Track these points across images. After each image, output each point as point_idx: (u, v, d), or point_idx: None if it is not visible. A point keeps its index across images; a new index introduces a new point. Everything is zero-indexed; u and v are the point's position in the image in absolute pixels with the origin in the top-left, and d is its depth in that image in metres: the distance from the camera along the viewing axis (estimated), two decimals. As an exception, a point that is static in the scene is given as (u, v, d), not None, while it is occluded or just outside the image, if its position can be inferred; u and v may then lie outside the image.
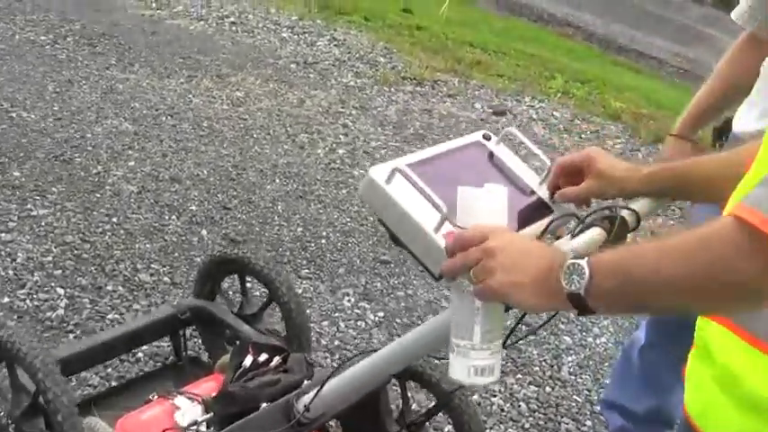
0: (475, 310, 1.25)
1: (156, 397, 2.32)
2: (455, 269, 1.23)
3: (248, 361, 2.27)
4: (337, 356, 3.15)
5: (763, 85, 2.16)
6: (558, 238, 1.67)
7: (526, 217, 1.62)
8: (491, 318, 1.26)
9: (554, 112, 6.32)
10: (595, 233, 1.44)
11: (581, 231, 1.46)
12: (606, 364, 3.49)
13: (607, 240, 1.44)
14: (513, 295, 1.17)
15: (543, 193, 1.67)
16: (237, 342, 2.56)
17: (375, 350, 1.77)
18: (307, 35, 6.98)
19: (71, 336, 3.03)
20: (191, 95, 5.31)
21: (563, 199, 1.61)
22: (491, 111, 6.05)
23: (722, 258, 0.99)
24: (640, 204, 1.57)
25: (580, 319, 3.72)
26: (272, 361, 2.26)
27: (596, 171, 1.53)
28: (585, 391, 3.27)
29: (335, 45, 6.89)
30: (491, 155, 1.72)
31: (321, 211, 4.20)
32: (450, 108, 5.97)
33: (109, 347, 2.51)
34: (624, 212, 1.51)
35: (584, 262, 1.11)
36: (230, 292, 2.89)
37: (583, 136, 5.99)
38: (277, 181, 4.42)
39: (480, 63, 7.24)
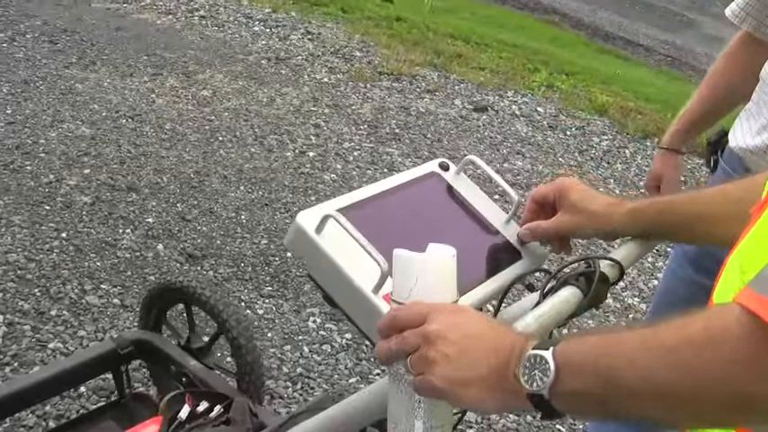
0: (415, 404, 1.01)
1: None
2: (389, 355, 0.99)
3: (185, 412, 2.05)
4: (299, 386, 2.92)
5: (763, 94, 1.91)
6: (529, 286, 1.44)
7: (491, 263, 1.39)
8: (436, 413, 1.01)
9: (538, 108, 6.07)
10: (569, 295, 1.20)
11: (550, 291, 1.22)
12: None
13: (582, 303, 1.21)
14: (459, 394, 0.94)
15: (510, 233, 1.44)
16: (183, 379, 2.36)
17: (322, 408, 1.53)
18: (280, 29, 6.70)
19: (7, 369, 2.77)
20: (154, 95, 5.04)
21: (530, 236, 1.38)
22: (472, 107, 5.79)
23: (734, 364, 0.75)
24: (624, 251, 1.33)
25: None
26: (212, 411, 2.04)
27: (569, 204, 1.31)
28: (569, 420, 3.04)
29: (309, 39, 6.62)
30: (449, 188, 1.48)
31: (288, 220, 3.94)
32: (428, 105, 5.71)
33: (40, 390, 2.28)
34: (605, 265, 1.27)
35: (548, 355, 0.87)
36: (181, 323, 2.65)
37: (568, 132, 5.74)
38: (242, 188, 4.17)
39: (461, 56, 6.98)
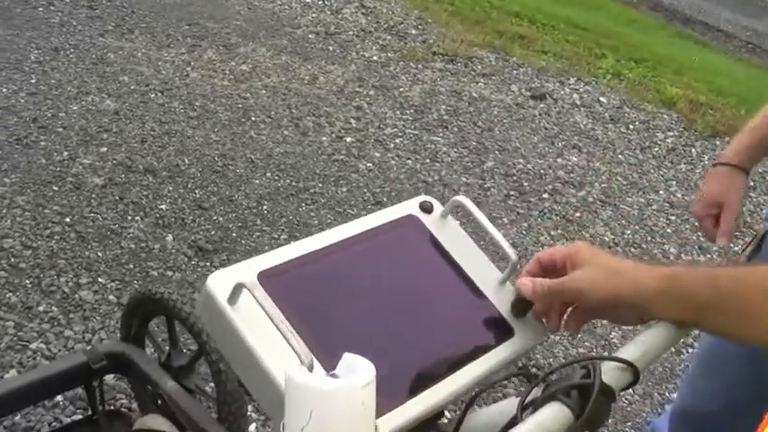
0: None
1: None
2: None
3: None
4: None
5: None
6: (522, 369, 1.13)
7: (471, 341, 1.08)
8: None
9: (601, 98, 5.67)
10: (555, 414, 0.89)
11: (532, 405, 0.92)
12: None
13: (573, 426, 0.89)
14: None
15: (502, 300, 1.13)
16: (159, 401, 2.11)
17: None
18: (333, 1, 6.38)
19: (-19, 371, 2.54)
20: (189, 68, 4.77)
21: (530, 290, 1.06)
22: (529, 94, 5.41)
23: None
24: (641, 346, 1.00)
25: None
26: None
27: (583, 260, 1.03)
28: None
29: (363, 13, 6.28)
30: (430, 238, 1.17)
31: (313, 213, 3.65)
32: (482, 90, 5.35)
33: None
34: (610, 369, 0.95)
35: None
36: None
37: (631, 126, 5.33)
38: (268, 174, 3.88)
39: (524, 37, 6.58)
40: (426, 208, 1.18)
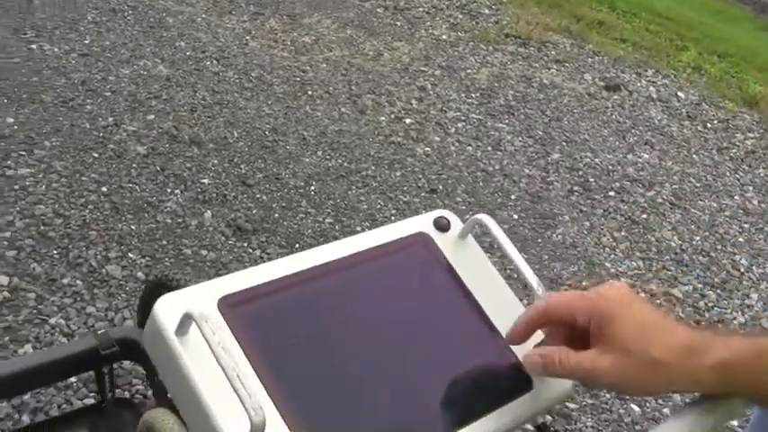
0: None
1: None
2: None
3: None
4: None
5: None
6: (541, 428, 0.92)
7: (481, 393, 0.88)
8: None
9: (678, 92, 5.36)
10: None
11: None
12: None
13: None
14: None
15: (523, 346, 0.91)
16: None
17: None
18: (405, -25, 6.16)
19: (-5, 343, 2.41)
20: (249, 37, 4.60)
21: (541, 368, 0.85)
22: (603, 84, 5.13)
23: None
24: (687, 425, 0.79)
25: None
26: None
27: (615, 341, 0.79)
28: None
29: (436, -11, 6.05)
30: (443, 262, 0.96)
31: (362, 197, 3.46)
32: (554, 77, 5.09)
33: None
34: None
35: None
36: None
37: (708, 125, 5.02)
38: (319, 153, 3.70)
39: (603, 24, 6.28)
40: (442, 225, 0.97)
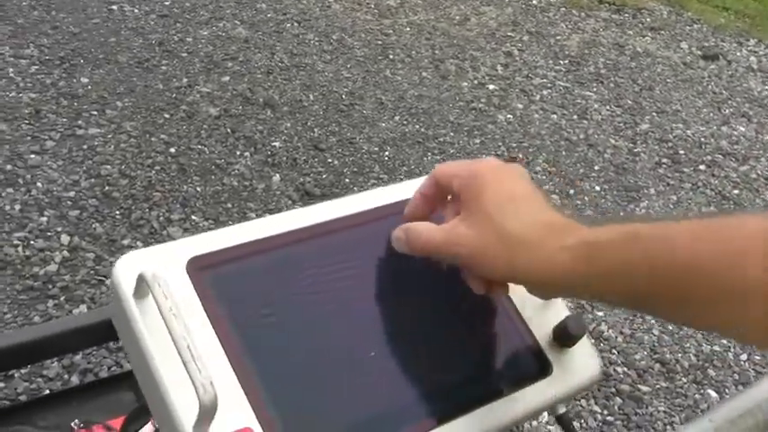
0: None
1: (78, 426, 1.68)
2: None
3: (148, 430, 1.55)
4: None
5: None
6: (561, 419, 0.80)
7: (499, 378, 0.75)
8: None
9: (783, 62, 5.04)
10: None
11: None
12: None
13: None
14: None
15: (542, 324, 0.78)
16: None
17: None
18: (498, -62, 5.95)
19: (50, 303, 2.38)
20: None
21: (405, 243, 0.73)
22: (700, 54, 4.85)
23: None
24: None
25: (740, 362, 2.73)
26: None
27: (476, 210, 0.68)
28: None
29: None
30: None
31: (438, 164, 3.32)
32: (648, 45, 4.84)
33: (33, 349, 1.86)
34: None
35: None
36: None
37: (814, 97, 4.71)
38: (396, 118, 3.58)
39: (705, -11, 5.96)
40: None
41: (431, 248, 0.68)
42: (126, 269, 0.66)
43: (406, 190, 0.81)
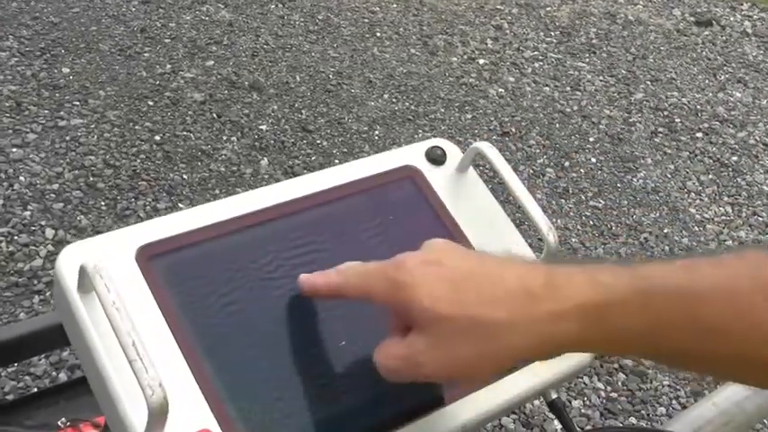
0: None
1: (65, 424, 1.63)
2: None
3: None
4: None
5: None
6: (553, 404, 0.75)
7: None
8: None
9: (778, 25, 4.97)
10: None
11: None
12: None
13: None
14: None
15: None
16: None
17: None
18: None
19: (36, 299, 2.33)
20: (317, -21, 4.43)
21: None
22: (693, 20, 4.78)
23: None
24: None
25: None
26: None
27: (426, 318, 0.57)
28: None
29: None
30: (437, 203, 0.78)
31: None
32: (640, 13, 4.77)
33: (24, 344, 1.82)
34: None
35: None
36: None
37: (810, 59, 4.64)
38: (385, 96, 3.52)
39: (698, -47, 5.87)
40: (436, 157, 0.79)
41: (392, 373, 0.58)
42: (69, 261, 0.61)
43: (366, 166, 0.76)
